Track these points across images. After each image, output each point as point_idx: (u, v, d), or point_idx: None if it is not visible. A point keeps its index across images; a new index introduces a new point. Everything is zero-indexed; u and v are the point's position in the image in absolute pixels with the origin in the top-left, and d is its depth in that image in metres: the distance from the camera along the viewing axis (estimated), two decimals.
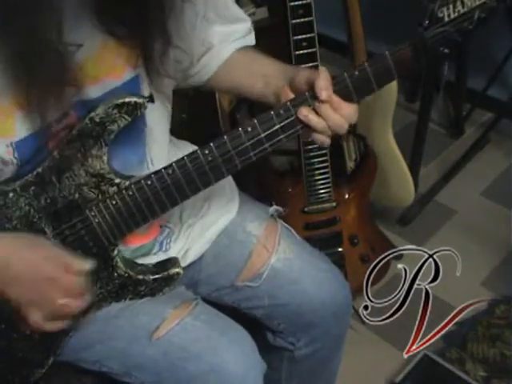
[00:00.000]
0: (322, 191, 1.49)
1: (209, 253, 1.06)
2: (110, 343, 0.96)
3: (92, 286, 0.87)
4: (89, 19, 0.83)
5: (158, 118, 0.97)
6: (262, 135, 0.85)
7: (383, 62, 0.84)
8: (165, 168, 0.85)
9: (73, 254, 0.85)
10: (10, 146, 0.82)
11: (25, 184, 0.84)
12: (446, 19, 0.83)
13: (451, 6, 0.82)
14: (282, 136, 0.85)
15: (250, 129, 0.84)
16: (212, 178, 0.86)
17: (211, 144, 0.84)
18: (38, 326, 0.85)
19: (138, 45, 0.88)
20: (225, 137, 0.84)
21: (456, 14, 0.83)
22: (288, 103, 0.85)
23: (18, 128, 0.82)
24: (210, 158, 0.84)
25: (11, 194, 0.84)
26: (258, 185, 1.49)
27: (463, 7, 0.82)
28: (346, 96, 0.85)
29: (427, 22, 0.83)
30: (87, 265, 0.84)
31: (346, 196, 1.55)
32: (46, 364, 0.94)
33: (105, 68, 0.86)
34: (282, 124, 0.85)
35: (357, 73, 0.84)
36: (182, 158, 0.85)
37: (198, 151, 0.85)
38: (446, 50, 0.86)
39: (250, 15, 2.03)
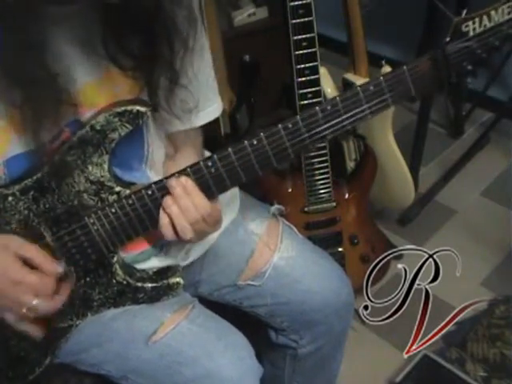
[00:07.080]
0: (322, 191, 1.49)
1: (210, 252, 1.06)
2: (107, 346, 0.96)
3: (68, 287, 0.86)
4: (93, 45, 0.81)
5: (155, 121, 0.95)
6: None
7: (400, 76, 0.79)
8: (166, 178, 0.83)
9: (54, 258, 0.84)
10: (1, 164, 0.82)
11: (24, 188, 0.83)
12: (471, 34, 0.79)
13: (477, 20, 0.78)
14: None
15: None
16: (215, 190, 0.84)
17: (214, 156, 0.82)
18: (17, 327, 0.84)
19: (143, 77, 0.85)
20: (229, 149, 0.82)
21: (482, 29, 0.78)
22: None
23: (12, 148, 0.81)
24: (212, 170, 0.83)
25: (10, 198, 0.83)
26: (259, 185, 1.49)
27: (490, 22, 0.78)
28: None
29: (450, 35, 0.79)
30: (57, 267, 0.82)
31: (346, 196, 1.54)
32: (44, 363, 0.93)
33: (104, 96, 0.84)
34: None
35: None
36: (185, 168, 0.83)
37: (201, 163, 0.82)
38: (470, 67, 0.81)
39: (249, 15, 2.03)
